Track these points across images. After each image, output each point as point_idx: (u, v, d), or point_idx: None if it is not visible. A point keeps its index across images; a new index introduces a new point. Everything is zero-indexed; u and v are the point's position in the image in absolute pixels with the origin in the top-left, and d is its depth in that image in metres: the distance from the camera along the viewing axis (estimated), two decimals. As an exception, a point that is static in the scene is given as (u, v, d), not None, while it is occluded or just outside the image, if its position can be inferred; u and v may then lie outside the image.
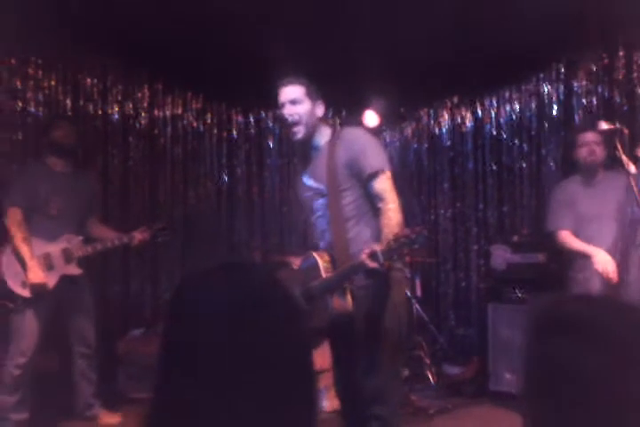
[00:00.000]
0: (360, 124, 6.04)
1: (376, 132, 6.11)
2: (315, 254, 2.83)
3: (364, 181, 2.83)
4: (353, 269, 2.61)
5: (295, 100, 2.94)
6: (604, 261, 3.61)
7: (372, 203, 2.83)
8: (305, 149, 3.07)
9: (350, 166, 2.84)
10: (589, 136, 3.91)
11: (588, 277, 3.68)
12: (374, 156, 2.85)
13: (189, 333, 0.96)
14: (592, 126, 3.76)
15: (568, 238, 3.94)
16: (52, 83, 5.15)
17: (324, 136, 2.99)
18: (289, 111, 2.95)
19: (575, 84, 5.36)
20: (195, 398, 0.92)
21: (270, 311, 0.99)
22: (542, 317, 1.13)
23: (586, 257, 3.75)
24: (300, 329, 1.03)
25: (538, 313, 1.15)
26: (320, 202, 2.94)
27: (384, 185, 2.80)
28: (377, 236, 2.70)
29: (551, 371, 1.06)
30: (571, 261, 3.98)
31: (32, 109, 5.01)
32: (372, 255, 2.46)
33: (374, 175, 2.80)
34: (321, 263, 2.78)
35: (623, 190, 3.42)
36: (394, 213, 2.74)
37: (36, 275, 3.89)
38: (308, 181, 3.00)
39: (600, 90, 5.14)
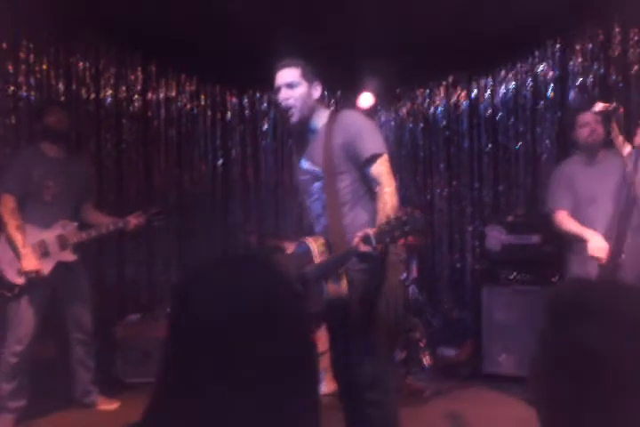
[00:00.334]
0: (355, 104, 6.02)
1: (371, 112, 6.08)
2: (309, 240, 2.82)
3: (361, 164, 2.80)
4: (347, 253, 2.60)
5: (291, 84, 2.89)
6: (598, 247, 3.61)
7: (369, 187, 2.82)
8: (302, 132, 3.04)
9: (347, 150, 2.81)
10: (589, 116, 3.86)
11: (586, 259, 3.66)
12: (372, 139, 2.82)
13: (191, 323, 0.98)
14: (588, 106, 3.72)
15: (565, 220, 3.94)
16: (44, 67, 5.08)
17: (321, 118, 2.95)
18: (285, 95, 2.90)
19: (571, 62, 5.32)
20: (198, 383, 0.94)
21: (270, 300, 1.00)
22: (560, 302, 1.13)
23: (581, 240, 3.75)
24: (299, 316, 1.05)
25: (555, 299, 1.14)
26: (316, 185, 2.92)
27: (381, 169, 2.77)
28: (374, 220, 2.68)
29: (570, 356, 1.06)
30: (568, 242, 3.98)
31: (24, 94, 4.95)
32: (365, 239, 2.45)
33: (371, 159, 2.78)
34: (315, 248, 2.77)
35: (623, 170, 3.40)
36: (390, 196, 2.72)
37: (30, 262, 3.87)
38: (305, 164, 2.97)
39: (596, 67, 5.10)
